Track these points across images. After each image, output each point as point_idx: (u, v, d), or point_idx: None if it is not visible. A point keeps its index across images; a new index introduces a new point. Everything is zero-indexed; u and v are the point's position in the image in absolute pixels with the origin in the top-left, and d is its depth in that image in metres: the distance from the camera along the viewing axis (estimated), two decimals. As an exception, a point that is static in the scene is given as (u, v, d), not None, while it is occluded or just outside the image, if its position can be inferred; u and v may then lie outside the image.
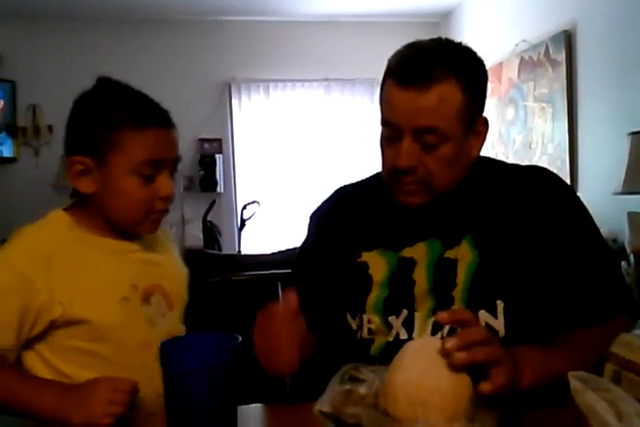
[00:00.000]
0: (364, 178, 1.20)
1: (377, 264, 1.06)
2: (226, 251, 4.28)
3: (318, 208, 1.20)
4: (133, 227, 0.99)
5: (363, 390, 0.86)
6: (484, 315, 0.98)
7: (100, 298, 0.95)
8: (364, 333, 1.06)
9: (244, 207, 4.38)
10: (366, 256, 1.07)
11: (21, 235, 0.97)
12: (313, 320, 1.03)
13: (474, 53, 1.00)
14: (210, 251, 3.34)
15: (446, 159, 0.96)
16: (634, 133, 2.63)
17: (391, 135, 0.98)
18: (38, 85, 4.65)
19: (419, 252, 1.04)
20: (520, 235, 1.01)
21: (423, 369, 0.76)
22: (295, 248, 2.12)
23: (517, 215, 1.02)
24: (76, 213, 1.00)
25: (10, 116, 4.64)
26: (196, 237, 4.19)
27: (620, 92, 3.04)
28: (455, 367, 0.74)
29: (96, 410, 0.84)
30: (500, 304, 0.98)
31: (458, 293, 1.00)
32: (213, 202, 4.35)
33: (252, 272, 2.00)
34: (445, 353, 0.74)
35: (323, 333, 1.11)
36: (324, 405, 0.85)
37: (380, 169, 1.19)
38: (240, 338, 0.81)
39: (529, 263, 0.99)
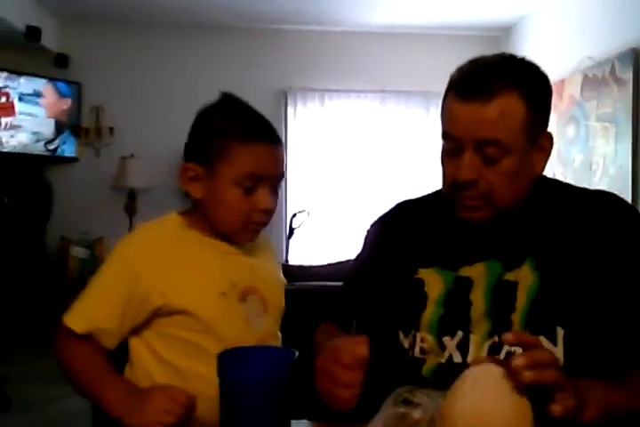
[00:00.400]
0: (425, 194, 1.19)
1: (433, 282, 1.05)
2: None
3: (377, 221, 1.20)
4: (232, 234, 1.05)
5: (417, 414, 0.85)
6: (543, 342, 0.95)
7: (200, 291, 1.01)
8: (417, 352, 1.05)
9: (294, 216, 4.40)
10: (423, 273, 1.06)
11: (138, 230, 1.09)
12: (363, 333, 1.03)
13: (537, 67, 1.00)
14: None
15: (508, 173, 0.95)
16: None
17: (452, 148, 0.98)
18: (103, 88, 4.80)
19: (477, 272, 1.03)
20: (583, 261, 0.98)
21: (483, 396, 0.74)
22: (344, 261, 2.12)
23: (582, 240, 0.99)
24: (187, 215, 1.08)
25: (75, 116, 4.80)
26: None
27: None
28: (519, 389, 0.73)
29: (150, 417, 0.88)
30: (560, 331, 0.95)
31: (517, 317, 0.98)
32: (264, 209, 4.38)
33: (302, 283, 2.00)
34: (512, 372, 0.73)
35: (374, 350, 1.09)
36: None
37: (439, 185, 1.20)
38: (297, 353, 0.82)
39: (591, 291, 0.96)
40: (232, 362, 0.81)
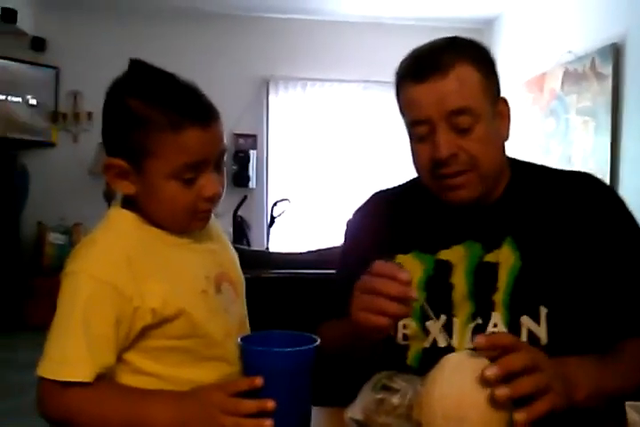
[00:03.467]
0: (399, 184, 1.19)
1: (413, 267, 1.05)
2: (254, 247, 4.30)
3: (354, 214, 1.20)
4: (181, 229, 0.94)
5: (395, 400, 0.85)
6: (526, 321, 0.96)
7: (186, 292, 0.91)
8: (400, 338, 1.05)
9: (275, 204, 4.40)
10: (402, 259, 1.06)
11: (92, 243, 0.90)
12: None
13: (474, 41, 1.04)
14: (239, 246, 3.35)
15: (483, 140, 0.97)
16: None
17: (424, 132, 0.98)
18: (81, 72, 4.72)
19: (456, 255, 1.03)
20: (563, 239, 0.99)
21: (462, 384, 0.74)
22: (325, 248, 2.12)
23: (561, 219, 1.00)
24: (134, 209, 0.93)
25: (52, 101, 4.72)
26: (225, 231, 4.21)
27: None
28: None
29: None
30: (543, 310, 0.95)
31: (499, 297, 0.98)
32: (245, 197, 4.37)
33: (283, 271, 2.00)
34: (486, 381, 0.71)
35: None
36: (355, 412, 0.84)
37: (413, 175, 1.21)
38: (318, 340, 0.82)
39: (572, 269, 0.97)
40: (254, 349, 0.81)
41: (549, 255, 0.98)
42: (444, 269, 1.03)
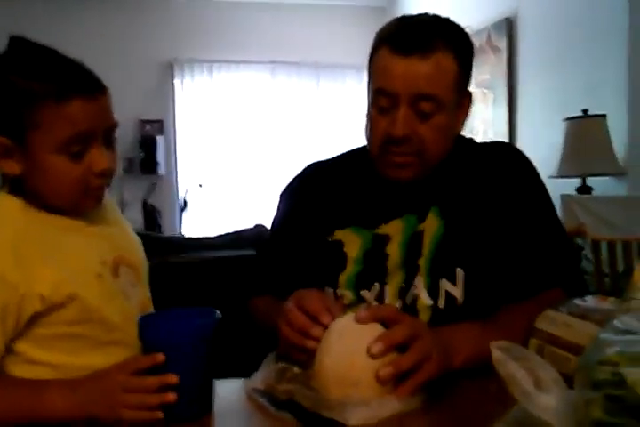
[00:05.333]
0: (334, 156, 1.20)
1: (351, 242, 1.06)
2: (167, 234, 4.22)
3: (288, 186, 1.19)
4: (72, 207, 0.90)
5: (296, 368, 0.86)
6: (444, 283, 1.00)
7: (77, 280, 0.88)
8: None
9: (187, 190, 4.32)
10: (340, 234, 1.07)
11: None
12: (284, 297, 1.04)
13: (463, 29, 1.03)
14: (150, 233, 3.27)
15: (440, 129, 0.98)
16: (568, 119, 2.71)
17: (386, 105, 0.98)
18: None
19: (394, 228, 1.05)
20: (483, 207, 1.03)
21: (351, 349, 0.76)
22: (240, 231, 2.11)
23: (481, 188, 1.05)
24: (19, 194, 0.90)
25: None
26: (135, 220, 4.11)
27: (556, 79, 3.13)
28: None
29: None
30: (459, 272, 0.99)
31: (423, 262, 1.02)
32: (154, 184, 4.26)
33: (199, 253, 1.97)
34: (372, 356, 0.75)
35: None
36: (256, 382, 0.85)
37: (329, 155, 1.20)
38: (218, 313, 0.82)
39: (489, 234, 1.02)
40: (151, 325, 0.80)
41: (469, 222, 1.02)
42: (382, 241, 1.05)
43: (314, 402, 0.75)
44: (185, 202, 4.30)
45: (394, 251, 1.04)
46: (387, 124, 0.98)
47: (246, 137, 4.91)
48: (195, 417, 0.77)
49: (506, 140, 3.49)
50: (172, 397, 0.75)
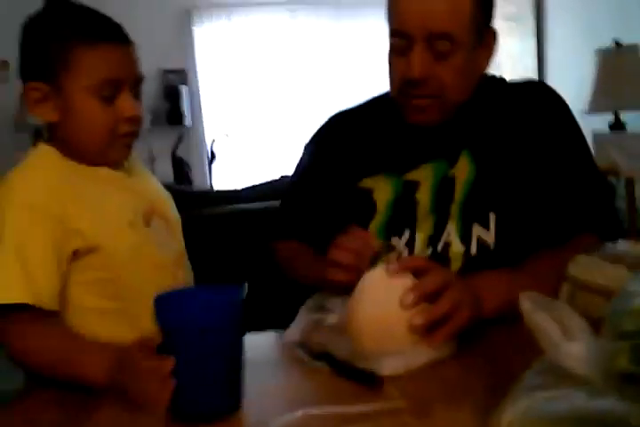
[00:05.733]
0: (358, 103, 1.18)
1: (381, 189, 1.06)
2: (197, 187, 4.25)
3: (315, 135, 1.18)
4: (102, 154, 0.94)
5: (331, 319, 0.89)
6: (476, 228, 0.99)
7: (110, 225, 0.93)
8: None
9: (214, 141, 4.32)
10: (369, 182, 1.07)
11: (17, 176, 0.91)
12: (310, 243, 1.06)
13: None
14: (181, 186, 3.31)
15: (458, 69, 0.96)
16: (600, 51, 2.61)
17: (402, 46, 0.96)
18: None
19: (423, 174, 1.04)
20: (515, 148, 1.01)
21: (383, 301, 0.77)
22: (272, 181, 2.12)
23: (513, 129, 1.02)
24: (56, 145, 0.94)
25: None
26: (166, 172, 4.14)
27: (588, 9, 2.99)
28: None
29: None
30: (492, 216, 0.99)
31: (454, 208, 1.01)
32: (181, 137, 4.27)
33: (234, 206, 2.00)
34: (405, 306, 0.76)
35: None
36: (293, 334, 0.88)
37: (355, 98, 1.19)
38: (243, 290, 0.70)
39: (522, 176, 1.00)
40: (170, 306, 0.70)
41: (502, 164, 1.01)
42: (412, 188, 1.04)
43: (348, 353, 0.78)
44: (213, 153, 4.31)
45: (424, 197, 1.03)
46: (404, 66, 0.96)
47: (269, 83, 4.83)
48: (218, 415, 0.67)
49: (534, 75, 3.39)
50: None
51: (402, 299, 0.76)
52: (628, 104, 2.57)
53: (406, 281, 0.78)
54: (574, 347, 0.52)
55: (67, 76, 0.89)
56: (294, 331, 0.89)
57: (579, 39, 3.06)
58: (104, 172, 0.96)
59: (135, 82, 0.94)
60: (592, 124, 2.65)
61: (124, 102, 0.92)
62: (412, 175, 1.04)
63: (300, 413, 0.64)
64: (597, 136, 2.14)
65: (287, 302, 1.14)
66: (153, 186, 1.07)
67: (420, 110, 1.00)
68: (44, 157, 0.94)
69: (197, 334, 0.65)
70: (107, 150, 0.94)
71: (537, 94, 1.06)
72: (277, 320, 0.97)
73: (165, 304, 0.70)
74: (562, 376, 0.50)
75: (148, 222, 0.97)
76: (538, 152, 1.01)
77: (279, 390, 0.75)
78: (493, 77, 1.10)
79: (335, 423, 0.63)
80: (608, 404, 0.46)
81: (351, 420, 0.63)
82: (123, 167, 1.00)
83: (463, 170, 1.02)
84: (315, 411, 0.65)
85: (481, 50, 1.00)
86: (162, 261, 0.98)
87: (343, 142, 1.12)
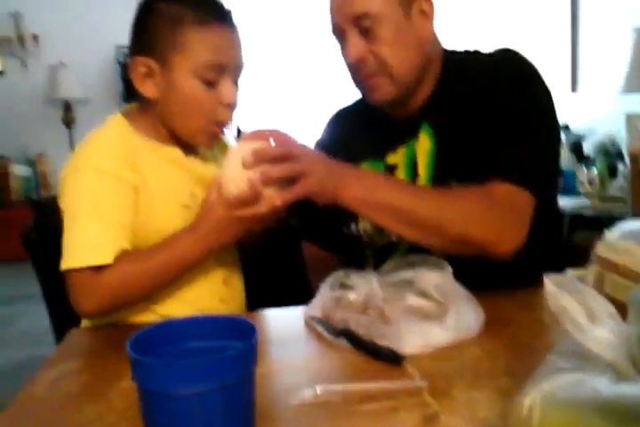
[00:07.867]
0: (355, 100, 1.22)
1: None
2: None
3: (319, 139, 1.22)
4: (193, 135, 0.96)
5: (351, 296, 0.89)
6: None
7: (164, 204, 0.95)
8: (364, 238, 1.12)
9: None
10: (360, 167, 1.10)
11: (95, 139, 0.95)
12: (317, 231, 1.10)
13: None
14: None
15: (392, 42, 0.98)
16: (637, 29, 2.53)
17: (341, 39, 1.02)
18: (17, -8, 4.43)
19: (400, 156, 1.08)
20: (471, 116, 1.00)
21: (233, 164, 0.85)
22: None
23: (471, 99, 1.01)
24: (135, 118, 0.97)
25: (-10, 26, 4.46)
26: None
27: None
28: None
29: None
30: (453, 184, 0.99)
31: (419, 182, 1.04)
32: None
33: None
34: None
35: (326, 240, 1.20)
36: (315, 310, 0.88)
37: None
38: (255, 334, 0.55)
39: (476, 142, 0.98)
40: (145, 366, 0.51)
41: (459, 132, 1.01)
42: (392, 171, 1.08)
43: (369, 330, 0.78)
44: (239, 130, 4.30)
45: (400, 176, 1.07)
46: (345, 52, 1.01)
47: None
48: None
49: (569, 52, 3.30)
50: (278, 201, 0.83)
51: (242, 159, 0.82)
52: (665, 85, 2.49)
53: (255, 146, 0.84)
54: (600, 331, 0.51)
55: (175, 56, 0.91)
56: (315, 307, 0.89)
57: (615, 15, 2.97)
58: (176, 153, 0.98)
59: (237, 69, 0.95)
60: (627, 105, 2.59)
61: (226, 88, 0.93)
62: (392, 159, 1.09)
63: (319, 388, 0.65)
64: (630, 117, 2.08)
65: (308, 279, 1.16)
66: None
67: (375, 89, 1.02)
68: (119, 128, 0.96)
69: (195, 400, 0.51)
70: (196, 134, 0.96)
71: (498, 63, 1.02)
72: (299, 295, 0.98)
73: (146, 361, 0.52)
74: (586, 359, 0.49)
75: None
76: (487, 117, 0.98)
77: (299, 365, 0.75)
78: (466, 54, 1.08)
79: (355, 400, 0.63)
80: (632, 389, 0.45)
81: (371, 397, 0.63)
82: (200, 152, 1.02)
83: (423, 143, 1.05)
84: (334, 387, 0.65)
85: (417, 20, 1.01)
86: None
87: (340, 137, 1.18)
